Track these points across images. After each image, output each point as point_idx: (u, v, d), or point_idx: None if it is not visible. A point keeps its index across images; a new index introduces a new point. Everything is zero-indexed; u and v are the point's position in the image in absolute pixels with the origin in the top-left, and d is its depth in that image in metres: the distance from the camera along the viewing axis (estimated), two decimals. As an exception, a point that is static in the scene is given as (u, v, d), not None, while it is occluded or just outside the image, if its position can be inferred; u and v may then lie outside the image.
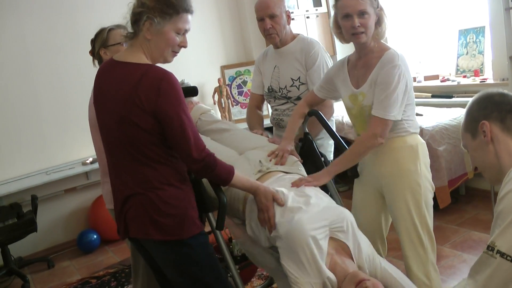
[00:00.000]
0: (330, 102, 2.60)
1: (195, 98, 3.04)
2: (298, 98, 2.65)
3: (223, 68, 5.05)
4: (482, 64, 4.26)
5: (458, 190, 4.01)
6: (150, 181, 1.72)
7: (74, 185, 4.41)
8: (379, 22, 2.05)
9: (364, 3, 1.97)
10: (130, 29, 1.77)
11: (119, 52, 1.92)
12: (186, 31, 1.76)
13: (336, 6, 2.09)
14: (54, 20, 4.36)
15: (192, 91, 3.05)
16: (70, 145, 4.48)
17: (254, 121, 2.84)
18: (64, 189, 4.39)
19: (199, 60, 4.87)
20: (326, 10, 4.97)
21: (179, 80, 3.15)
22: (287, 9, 2.65)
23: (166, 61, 1.81)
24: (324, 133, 2.65)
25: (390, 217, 2.23)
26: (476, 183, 3.98)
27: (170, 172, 1.75)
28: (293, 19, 4.80)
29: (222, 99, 4.84)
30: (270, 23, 2.58)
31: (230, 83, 5.04)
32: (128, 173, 1.75)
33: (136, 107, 1.65)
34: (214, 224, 1.99)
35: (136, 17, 1.72)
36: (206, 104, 5.00)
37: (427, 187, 2.10)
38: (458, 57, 4.47)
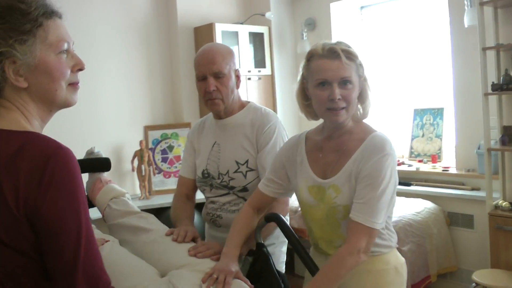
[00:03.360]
0: (286, 198, 1.93)
1: (106, 174, 2.26)
2: (244, 189, 1.93)
3: (147, 128, 4.30)
4: (440, 149, 3.85)
5: (416, 294, 3.45)
6: None
7: None
8: (362, 96, 1.56)
9: (349, 68, 1.48)
10: None
11: None
12: (69, 43, 1.09)
13: (307, 67, 1.54)
14: None
15: (103, 164, 2.25)
16: None
17: (181, 214, 2.00)
18: None
19: (119, 116, 4.08)
20: (270, 73, 4.45)
21: (89, 148, 2.40)
22: (237, 68, 1.96)
23: (68, 103, 1.11)
24: (275, 238, 1.96)
25: None
26: (439, 285, 3.44)
27: None
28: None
29: (143, 166, 4.05)
30: (215, 84, 1.87)
31: (153, 147, 4.27)
32: None
33: (3, 210, 0.93)
34: None
35: None
36: (123, 171, 4.21)
37: None
38: (412, 139, 4.05)
